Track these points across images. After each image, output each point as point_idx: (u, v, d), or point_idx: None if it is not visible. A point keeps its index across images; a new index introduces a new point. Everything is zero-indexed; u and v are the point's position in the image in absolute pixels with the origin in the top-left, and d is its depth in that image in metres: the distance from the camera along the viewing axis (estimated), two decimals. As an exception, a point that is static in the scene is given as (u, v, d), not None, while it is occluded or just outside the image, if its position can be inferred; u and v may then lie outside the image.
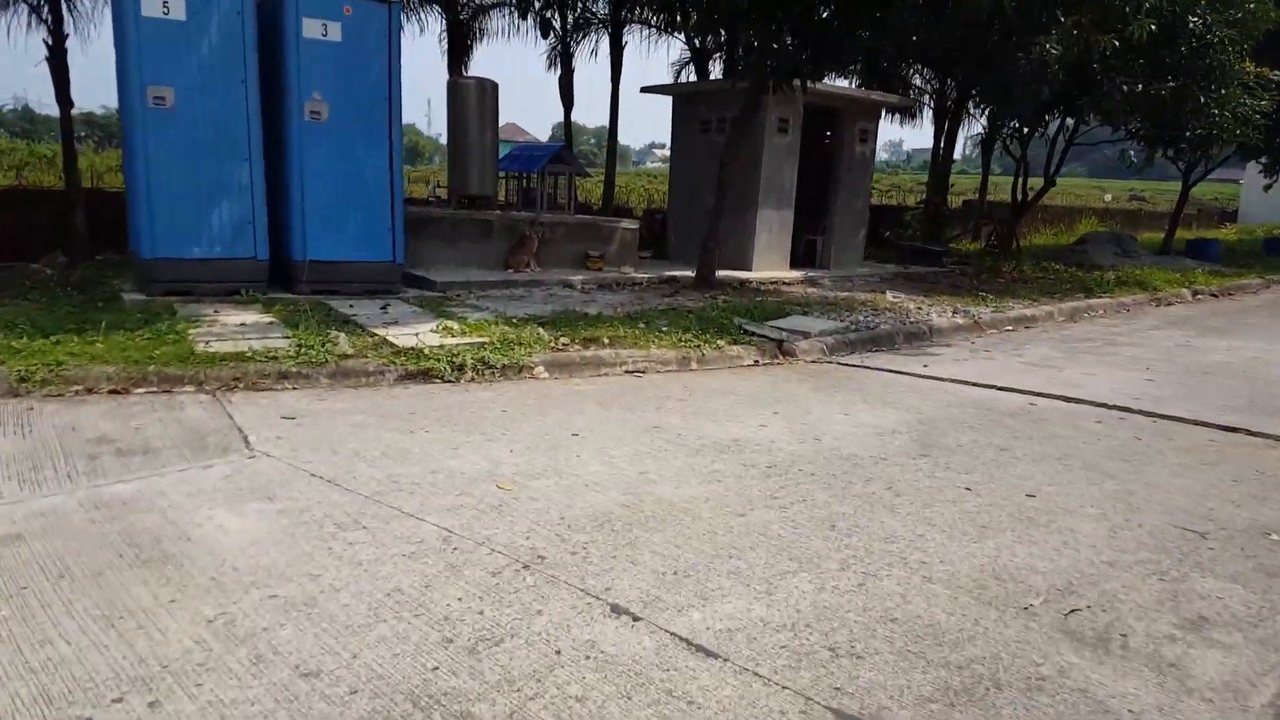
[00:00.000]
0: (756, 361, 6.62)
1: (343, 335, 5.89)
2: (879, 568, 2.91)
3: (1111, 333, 8.73)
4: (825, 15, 7.70)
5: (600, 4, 14.50)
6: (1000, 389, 5.76)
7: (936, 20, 6.57)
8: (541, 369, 5.84)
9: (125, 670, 2.22)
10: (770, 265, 11.46)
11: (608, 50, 14.53)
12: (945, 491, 3.68)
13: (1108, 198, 36.83)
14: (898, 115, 20.39)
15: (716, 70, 15.41)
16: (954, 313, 9.09)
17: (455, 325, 6.46)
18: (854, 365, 6.58)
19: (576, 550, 2.98)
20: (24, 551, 2.85)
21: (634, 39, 21.51)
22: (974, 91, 17.87)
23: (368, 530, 3.10)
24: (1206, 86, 10.23)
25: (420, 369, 5.51)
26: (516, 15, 13.93)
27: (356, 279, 7.62)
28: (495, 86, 10.23)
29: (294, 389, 5.15)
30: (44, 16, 9.32)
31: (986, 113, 21.60)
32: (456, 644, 2.38)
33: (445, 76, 11.67)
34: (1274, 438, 4.76)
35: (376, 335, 6.09)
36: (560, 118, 15.21)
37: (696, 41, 14.58)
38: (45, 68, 9.10)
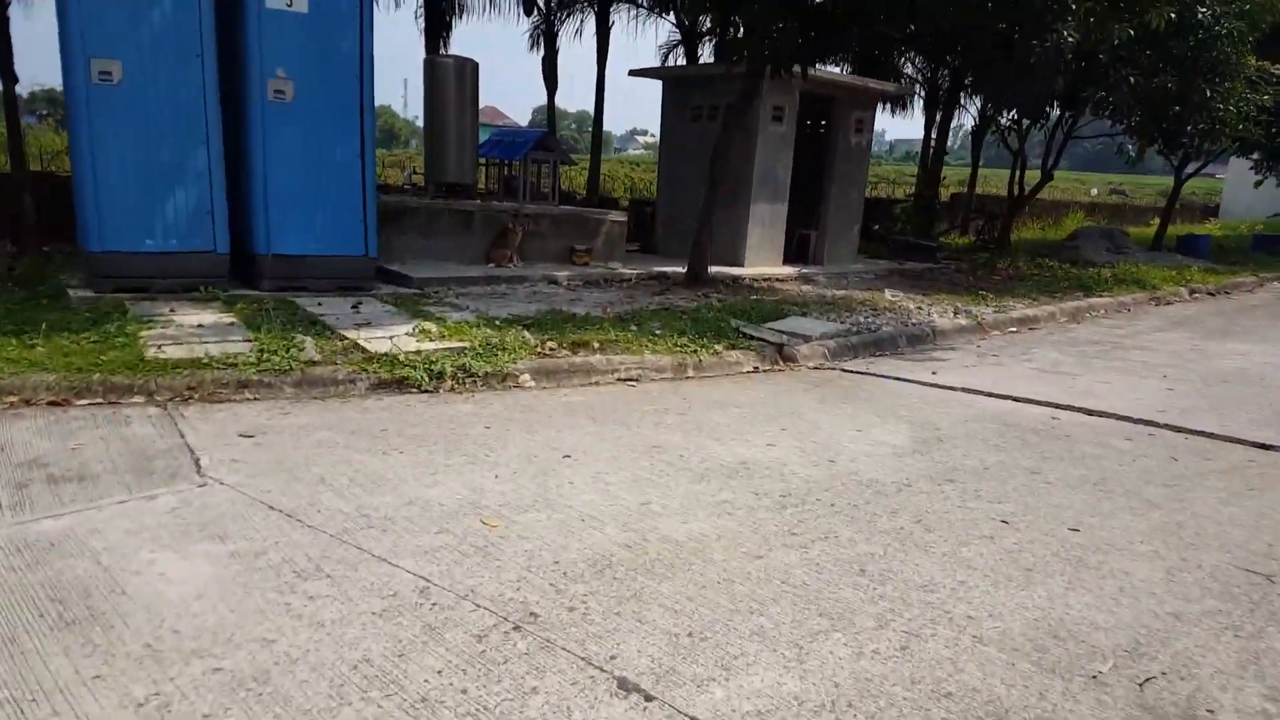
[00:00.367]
0: (756, 368, 6.24)
1: (309, 339, 5.43)
2: (921, 625, 2.54)
3: (1117, 335, 8.45)
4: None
5: (587, -20, 13.99)
6: (1018, 400, 5.43)
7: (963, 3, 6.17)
8: (527, 377, 5.41)
9: (21, 787, 1.79)
10: (763, 261, 11.08)
11: (594, 30, 14.03)
12: (980, 525, 3.32)
13: (1093, 191, 36.83)
14: (888, 104, 20.07)
15: (707, 54, 14.95)
16: (955, 313, 8.78)
17: (433, 327, 6.01)
18: (859, 372, 6.22)
19: (574, 605, 2.57)
20: (-82, 614, 2.41)
21: (621, 19, 20.99)
22: (968, 81, 17.60)
23: (332, 580, 2.68)
24: (1211, 80, 9.96)
25: (395, 377, 5.07)
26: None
27: (325, 274, 7.13)
28: (476, 66, 9.71)
29: (255, 400, 4.70)
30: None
31: (981, 104, 21.37)
32: (435, 740, 1.98)
33: (422, 55, 11.12)
34: (1313, 457, 4.46)
35: (347, 338, 5.63)
36: (541, 101, 14.78)
37: (687, 21, 14.09)
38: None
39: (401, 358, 5.26)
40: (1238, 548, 3.27)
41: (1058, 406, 5.27)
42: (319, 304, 6.68)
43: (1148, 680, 2.36)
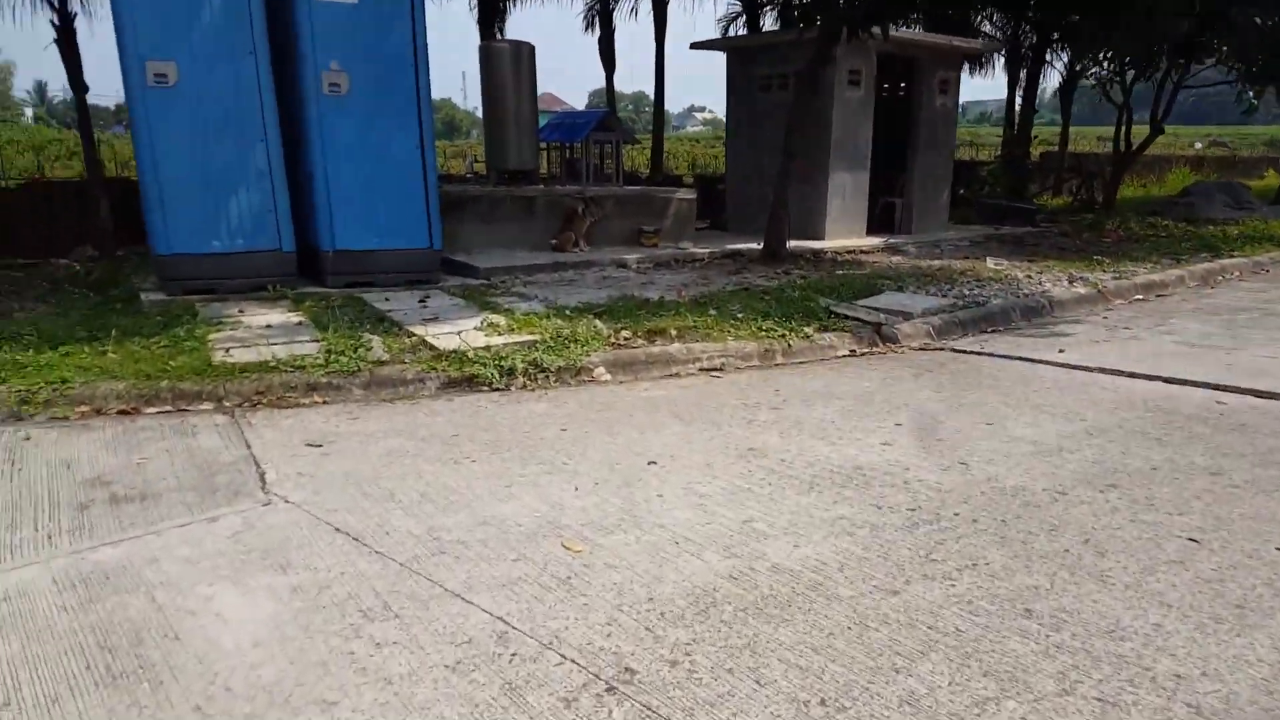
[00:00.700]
0: (853, 351, 5.72)
1: (376, 338, 5.18)
2: (1117, 689, 2.04)
3: (1263, 300, 7.56)
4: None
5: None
6: (1169, 381, 4.77)
7: None
8: (602, 370, 5.04)
9: None
10: (845, 233, 10.45)
11: (649, 7, 13.47)
12: (1163, 545, 2.78)
13: (1196, 145, 34.17)
14: (965, 65, 18.89)
15: (769, 24, 14.23)
16: (1070, 281, 8.01)
17: (502, 320, 5.70)
18: (973, 352, 5.63)
19: (676, 657, 2.18)
20: (-42, 668, 2.19)
21: (677, -9, 20.29)
22: (1056, 36, 16.35)
23: (401, 621, 2.36)
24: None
25: (464, 375, 4.77)
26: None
27: (392, 268, 6.90)
28: (532, 49, 9.34)
29: (323, 403, 4.46)
30: (49, -5, 8.69)
31: (1069, 59, 19.92)
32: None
33: (477, 43, 10.83)
34: None
35: (414, 335, 5.36)
36: (596, 84, 14.37)
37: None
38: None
39: (470, 354, 4.96)
40: None
41: (1220, 388, 4.60)
42: (386, 299, 6.45)
43: None
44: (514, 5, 13.21)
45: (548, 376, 4.87)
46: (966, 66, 19.64)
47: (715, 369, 5.25)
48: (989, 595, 2.45)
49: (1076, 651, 2.16)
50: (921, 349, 5.82)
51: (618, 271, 8.18)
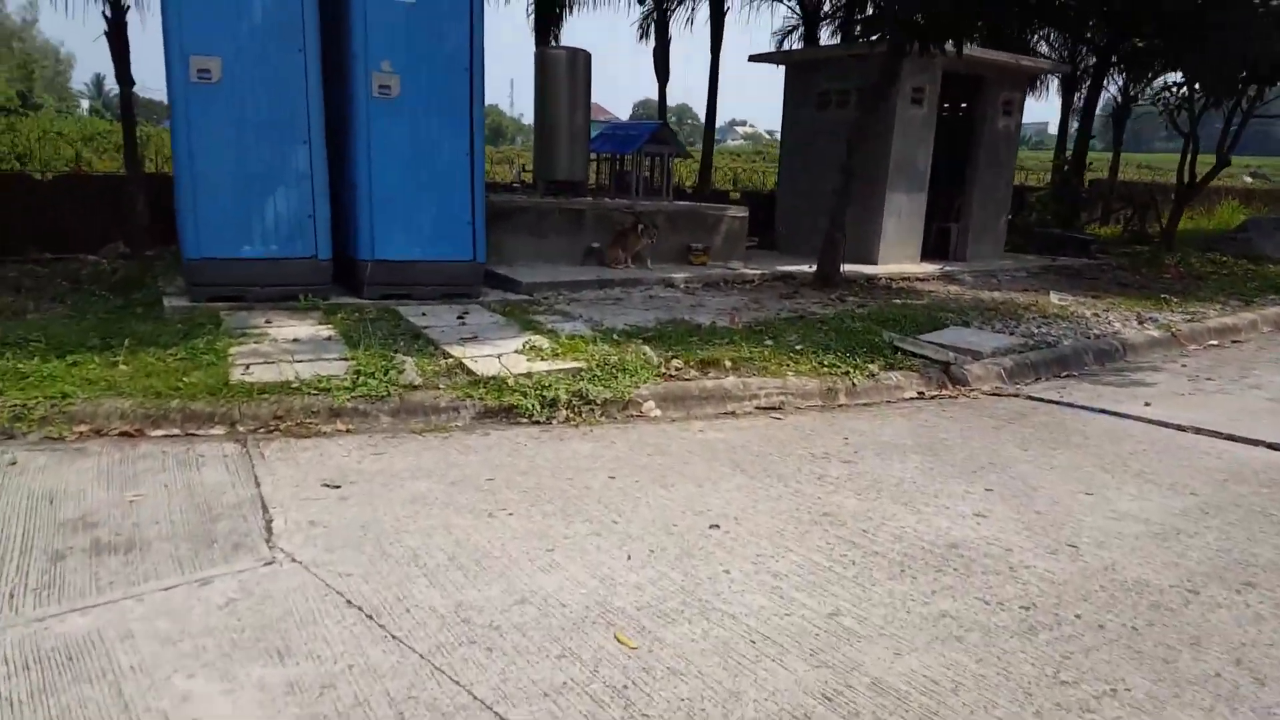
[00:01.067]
0: (921, 393, 5.22)
1: (409, 360, 4.78)
2: None
3: (1354, 351, 6.93)
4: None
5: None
6: (1273, 447, 4.22)
7: None
8: (652, 404, 4.60)
9: None
10: (899, 257, 9.93)
11: (706, 16, 13.07)
12: (1340, 674, 2.27)
13: (1247, 178, 33.05)
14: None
15: (826, 38, 13.76)
16: (1140, 321, 7.45)
17: (545, 343, 5.28)
18: (1050, 400, 5.11)
19: (767, 816, 1.72)
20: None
21: (734, 3, 19.83)
22: (1114, 58, 15.66)
23: (420, 738, 1.92)
24: None
25: (502, 405, 4.36)
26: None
27: (432, 281, 6.53)
28: (588, 57, 8.98)
29: (346, 431, 4.07)
30: (102, -14, 8.50)
31: (1124, 83, 19.17)
32: None
33: (530, 51, 10.51)
34: None
35: (451, 356, 4.96)
36: (641, 95, 13.97)
37: (810, 1, 12.93)
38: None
39: (510, 381, 4.55)
40: None
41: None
42: (423, 314, 6.07)
43: None
44: (570, 11, 12.88)
45: (593, 410, 4.44)
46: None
47: (774, 408, 4.79)
48: (1155, 747, 1.96)
49: None
50: (994, 394, 5.30)
51: (665, 291, 7.74)
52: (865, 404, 4.98)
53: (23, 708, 2.00)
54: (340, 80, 6.21)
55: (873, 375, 5.20)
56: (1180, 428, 4.55)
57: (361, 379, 4.44)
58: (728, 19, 12.99)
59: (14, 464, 3.45)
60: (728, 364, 5.17)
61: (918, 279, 9.30)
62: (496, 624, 2.41)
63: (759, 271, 8.70)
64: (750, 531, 3.07)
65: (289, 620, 2.39)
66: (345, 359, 4.82)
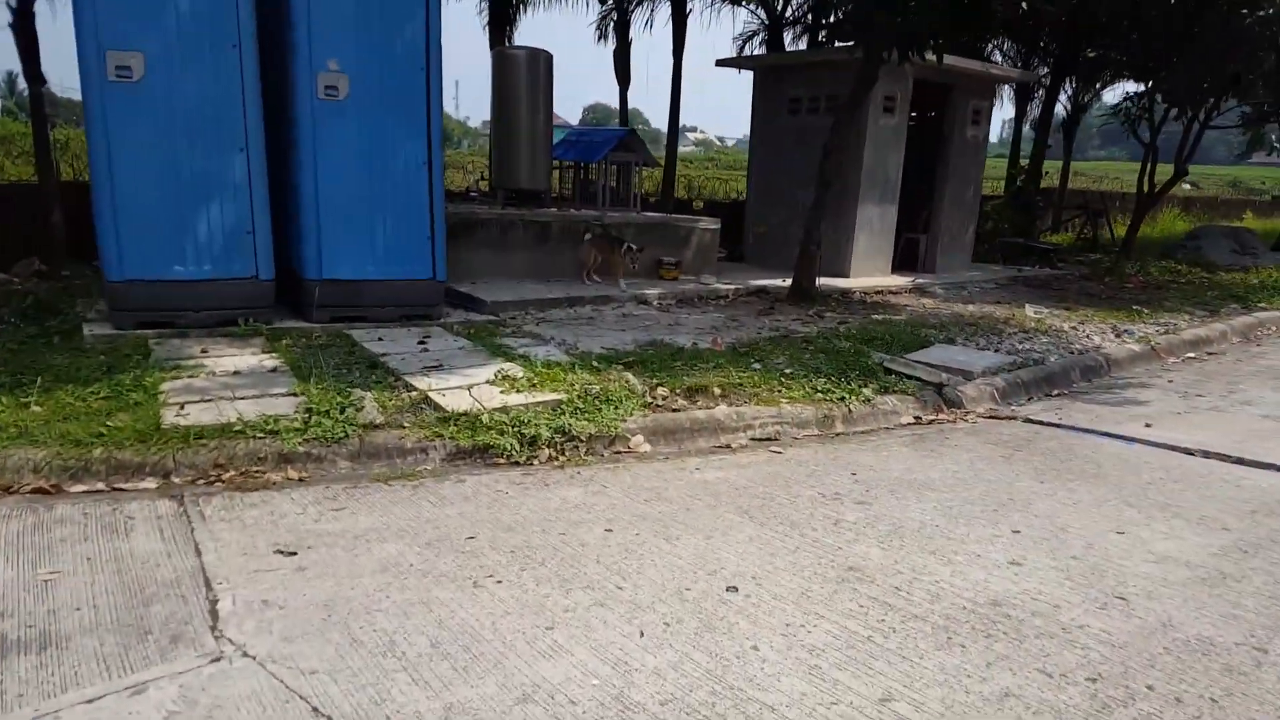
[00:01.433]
0: (918, 418, 4.96)
1: (369, 395, 4.32)
2: None
3: (1329, 362, 6.93)
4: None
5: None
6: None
7: None
8: (640, 438, 4.24)
9: None
10: (870, 270, 9.75)
11: (667, 18, 12.78)
12: None
13: (1185, 186, 34.16)
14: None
15: (790, 43, 13.60)
16: (1116, 334, 7.38)
17: (519, 371, 4.87)
18: (1051, 424, 4.89)
19: None
20: None
21: (696, 5, 19.56)
22: (1070, 66, 15.88)
23: None
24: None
25: (476, 445, 3.94)
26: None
27: (387, 302, 6.04)
28: (550, 59, 8.57)
29: (299, 481, 3.61)
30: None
31: (1073, 92, 19.51)
32: None
33: (476, 49, 10.08)
34: None
35: (415, 389, 4.51)
36: (593, 99, 13.58)
37: (777, 6, 12.73)
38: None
39: (484, 418, 4.13)
40: None
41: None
42: (380, 339, 5.59)
43: None
44: (523, 10, 12.43)
45: (577, 448, 4.05)
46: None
47: (770, 438, 4.46)
48: None
49: None
50: (992, 416, 5.07)
51: (639, 309, 7.37)
52: (863, 431, 4.69)
53: None
54: (282, 80, 5.70)
55: (868, 400, 4.92)
56: (1189, 451, 4.36)
57: (314, 418, 3.97)
58: (688, 21, 12.72)
59: (-101, 536, 2.91)
60: (717, 391, 4.83)
61: (891, 292, 9.13)
62: (497, 736, 2.01)
63: (733, 286, 8.40)
64: (773, 594, 2.72)
65: (241, 743, 1.96)
66: (294, 394, 4.34)
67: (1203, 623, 2.64)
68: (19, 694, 2.10)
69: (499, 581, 2.76)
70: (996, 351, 6.34)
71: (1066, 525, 3.35)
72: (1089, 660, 2.40)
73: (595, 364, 5.12)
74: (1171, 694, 2.26)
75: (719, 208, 12.79)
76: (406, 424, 4.07)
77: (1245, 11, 5.82)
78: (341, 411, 4.05)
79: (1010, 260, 12.42)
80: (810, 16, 12.45)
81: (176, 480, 3.53)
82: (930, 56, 7.04)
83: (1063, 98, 19.38)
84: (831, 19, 7.83)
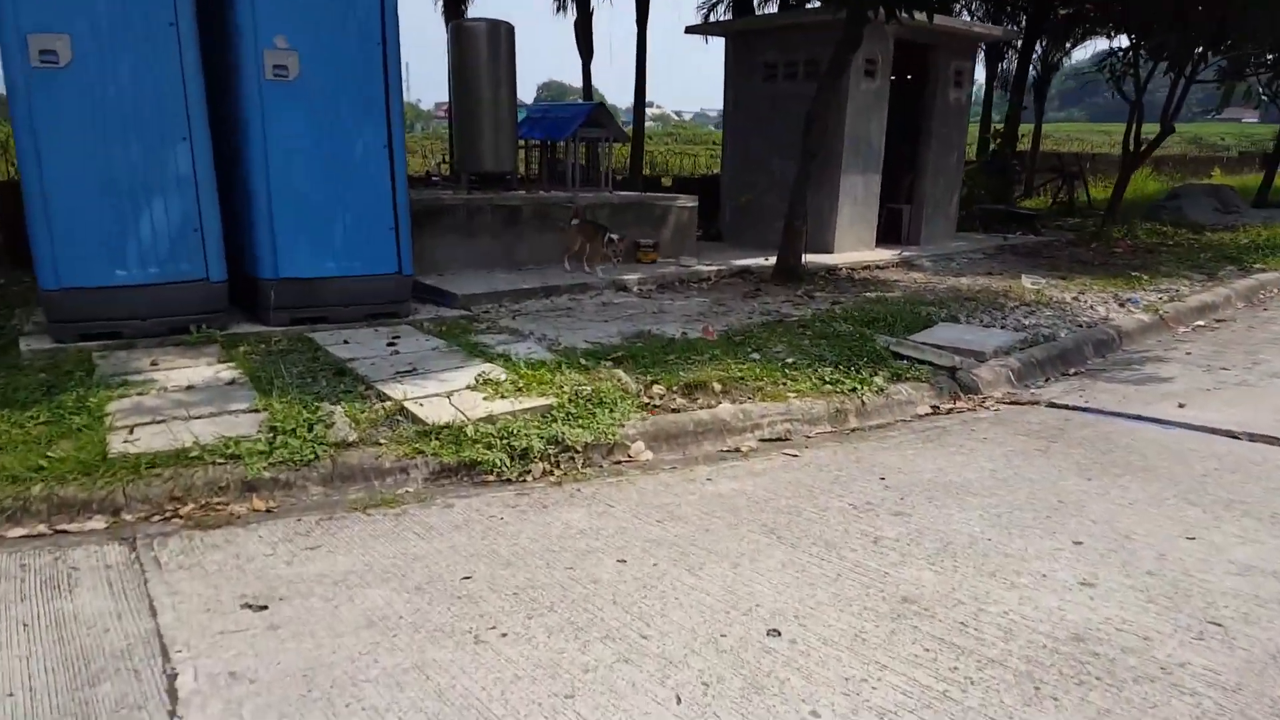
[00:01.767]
0: (935, 407, 4.65)
1: (338, 407, 3.89)
2: None
3: (1341, 325, 6.75)
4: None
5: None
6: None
7: None
8: (641, 445, 3.87)
9: None
10: (854, 244, 9.43)
11: (630, -13, 12.24)
12: None
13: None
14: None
15: (759, 8, 13.12)
16: (1119, 303, 7.15)
17: (501, 374, 4.45)
18: (1078, 408, 4.60)
19: None
20: None
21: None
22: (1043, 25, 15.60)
23: None
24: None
25: (462, 461, 3.55)
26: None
27: (351, 300, 5.56)
28: (511, 30, 8.03)
29: (267, 512, 3.20)
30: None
31: (1044, 51, 19.29)
32: None
33: (424, 31, 9.49)
34: None
35: (389, 398, 4.08)
36: (546, 76, 13.05)
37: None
38: None
39: (469, 430, 3.72)
40: None
41: None
42: (345, 341, 5.14)
43: None
44: (480, -18, 11.85)
45: (573, 459, 3.67)
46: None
47: (781, 438, 4.12)
48: None
49: None
50: (1013, 402, 4.78)
51: (619, 296, 6.96)
52: (879, 425, 4.37)
53: None
54: (226, 60, 5.15)
55: (881, 390, 4.60)
56: (1234, 435, 4.09)
57: (280, 438, 3.55)
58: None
59: None
60: (717, 386, 4.47)
61: (878, 267, 8.82)
62: None
63: (714, 268, 8.02)
64: (820, 637, 2.38)
65: None
66: (256, 409, 3.90)
67: (1302, 646, 2.35)
68: (-79, 834, 1.69)
69: (503, 635, 2.38)
70: (1003, 328, 6.06)
71: (1130, 532, 3.05)
72: (1203, 712, 2.08)
73: (582, 361, 4.73)
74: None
75: (690, 184, 12.35)
76: (383, 440, 3.66)
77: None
78: (310, 429, 3.62)
79: (991, 228, 12.18)
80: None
81: (128, 517, 3.10)
82: (920, 15, 6.66)
83: (1033, 58, 19.18)
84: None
